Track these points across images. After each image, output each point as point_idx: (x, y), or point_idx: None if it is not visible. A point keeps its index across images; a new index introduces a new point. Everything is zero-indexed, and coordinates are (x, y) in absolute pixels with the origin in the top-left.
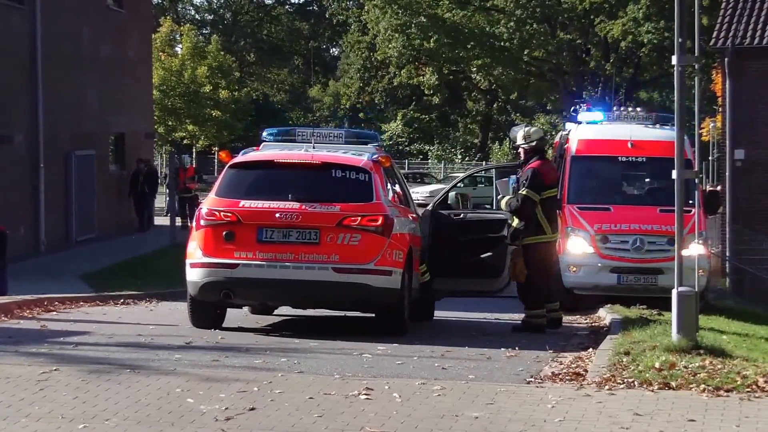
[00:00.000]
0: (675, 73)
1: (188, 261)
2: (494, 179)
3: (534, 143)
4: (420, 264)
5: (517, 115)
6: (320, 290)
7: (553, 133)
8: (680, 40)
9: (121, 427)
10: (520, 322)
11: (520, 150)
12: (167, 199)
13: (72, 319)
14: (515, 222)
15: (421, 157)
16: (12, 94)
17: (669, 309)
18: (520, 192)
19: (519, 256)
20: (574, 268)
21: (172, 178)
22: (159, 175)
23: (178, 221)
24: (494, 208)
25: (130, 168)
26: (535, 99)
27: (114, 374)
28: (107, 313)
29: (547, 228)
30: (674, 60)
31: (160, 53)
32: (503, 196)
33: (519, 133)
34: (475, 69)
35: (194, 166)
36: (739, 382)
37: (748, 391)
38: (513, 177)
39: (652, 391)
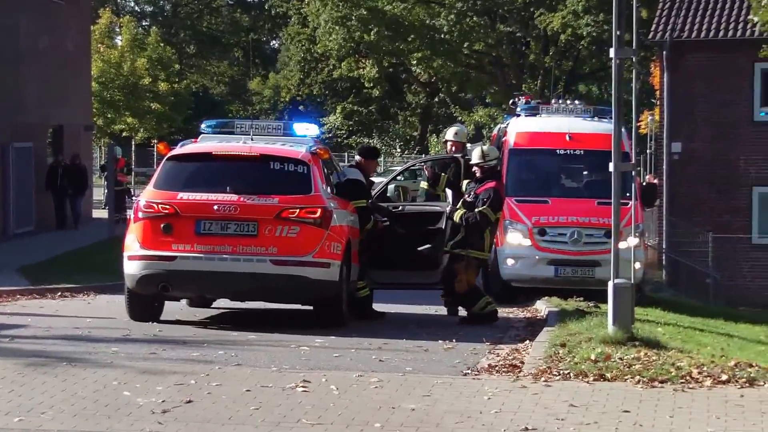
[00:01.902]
0: (613, 65)
1: (126, 254)
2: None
3: (493, 162)
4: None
5: (457, 107)
6: (258, 282)
7: (492, 125)
8: (618, 33)
9: (57, 420)
10: (466, 314)
11: (476, 168)
12: (105, 191)
13: (8, 312)
14: (461, 234)
15: None
16: None
17: (606, 301)
18: (480, 209)
19: (470, 268)
20: (512, 261)
21: (111, 171)
22: (89, 170)
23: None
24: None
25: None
26: (474, 92)
27: (51, 367)
28: (44, 306)
29: (488, 246)
30: (612, 53)
31: (99, 45)
32: (454, 209)
33: (475, 152)
34: (415, 62)
35: (124, 157)
36: (673, 374)
37: (682, 383)
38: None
39: (588, 382)
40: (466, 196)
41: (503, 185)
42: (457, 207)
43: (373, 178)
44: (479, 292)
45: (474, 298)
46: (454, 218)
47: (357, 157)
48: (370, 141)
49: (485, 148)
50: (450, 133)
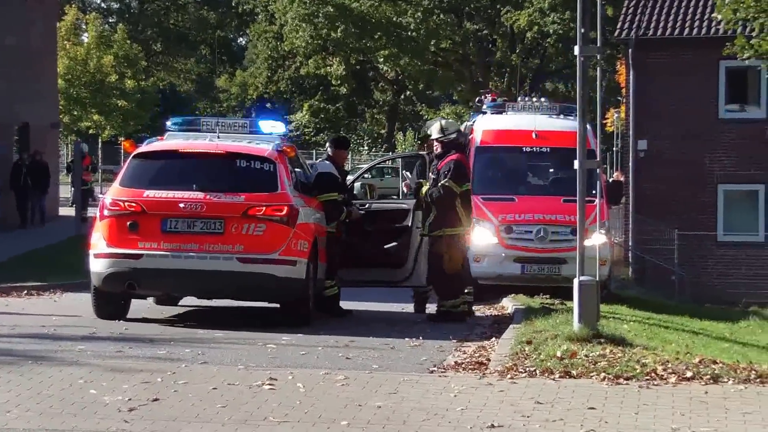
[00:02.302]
0: (577, 63)
1: (92, 252)
2: (400, 169)
3: (453, 135)
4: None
5: (423, 105)
6: (225, 280)
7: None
8: (583, 30)
9: (23, 419)
10: (435, 312)
11: (436, 144)
12: (72, 189)
13: None
14: (433, 212)
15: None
16: None
17: (571, 298)
18: (442, 183)
19: (452, 245)
20: (479, 259)
21: (78, 168)
22: (56, 167)
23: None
24: (401, 198)
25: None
26: (441, 89)
27: (16, 365)
28: (10, 304)
29: (465, 220)
30: (577, 50)
31: (65, 42)
32: (420, 182)
33: (434, 126)
34: (382, 59)
35: (90, 156)
36: (638, 371)
37: (647, 379)
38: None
39: (554, 379)
40: (431, 173)
41: (465, 157)
42: (422, 183)
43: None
44: (461, 288)
45: (453, 291)
46: (421, 193)
47: (329, 148)
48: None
49: (443, 122)
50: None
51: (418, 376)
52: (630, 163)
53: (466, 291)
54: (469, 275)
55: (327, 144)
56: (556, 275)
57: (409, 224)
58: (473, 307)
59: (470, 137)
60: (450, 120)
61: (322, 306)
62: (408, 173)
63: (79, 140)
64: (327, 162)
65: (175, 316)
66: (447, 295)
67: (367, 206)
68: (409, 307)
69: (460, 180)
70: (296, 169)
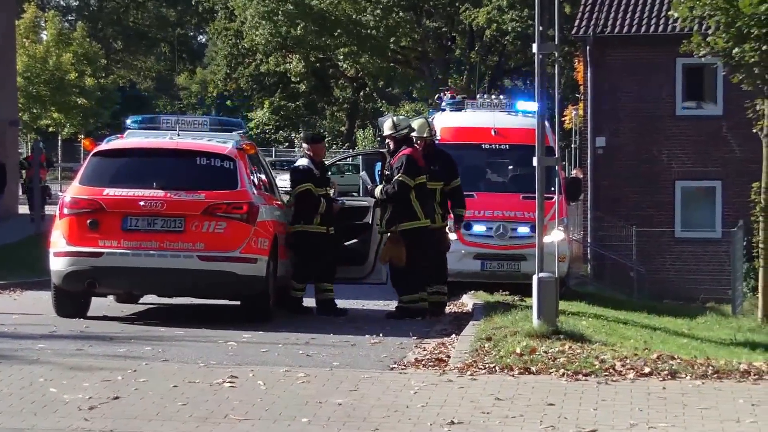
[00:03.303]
0: (535, 60)
1: (52, 250)
2: (360, 167)
3: (404, 131)
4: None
5: (384, 102)
6: (186, 278)
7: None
8: (540, 28)
9: None
10: (394, 309)
11: (388, 140)
12: (27, 187)
13: None
14: (389, 209)
15: (287, 144)
16: None
17: (531, 295)
18: (396, 178)
19: (399, 242)
20: None
21: (36, 166)
22: (15, 165)
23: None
24: (361, 195)
25: None
26: (401, 87)
27: None
28: None
29: (420, 213)
30: (535, 48)
31: (24, 40)
32: (375, 186)
33: (386, 123)
34: (341, 57)
35: (44, 153)
36: (597, 366)
37: (605, 375)
38: (378, 165)
39: (513, 376)
40: (385, 170)
41: (418, 151)
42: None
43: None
44: (417, 283)
45: (410, 286)
46: (376, 194)
47: (304, 145)
48: (298, 136)
49: (395, 118)
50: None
51: (379, 373)
52: (588, 160)
53: (435, 288)
54: (444, 271)
55: (302, 142)
56: (515, 272)
57: (370, 221)
58: (445, 303)
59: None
60: (402, 116)
61: (283, 303)
62: (366, 174)
63: (39, 139)
64: (303, 158)
65: (135, 314)
66: (404, 290)
67: None
68: (369, 305)
69: (412, 174)
70: (256, 167)
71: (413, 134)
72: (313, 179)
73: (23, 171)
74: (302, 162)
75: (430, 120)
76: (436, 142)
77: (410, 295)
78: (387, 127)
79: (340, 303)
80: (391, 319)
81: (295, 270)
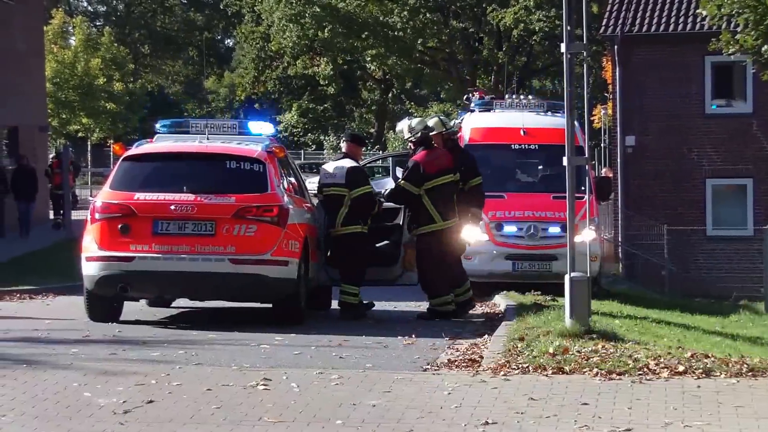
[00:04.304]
0: (564, 60)
1: (84, 255)
2: (390, 168)
3: (419, 134)
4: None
5: (412, 104)
6: (217, 282)
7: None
8: (569, 28)
9: (18, 423)
10: (425, 310)
11: (410, 145)
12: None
13: None
14: (408, 213)
15: (316, 147)
16: None
17: (563, 295)
18: (397, 183)
19: (410, 246)
20: (470, 256)
21: (66, 171)
22: (40, 172)
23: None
24: None
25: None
26: (429, 88)
27: (10, 369)
28: (2, 308)
29: (436, 216)
30: (563, 48)
31: (53, 46)
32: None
33: (404, 128)
34: (369, 58)
35: (58, 159)
36: (630, 366)
37: (639, 374)
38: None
39: (547, 375)
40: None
41: (434, 151)
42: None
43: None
44: (443, 285)
45: (437, 289)
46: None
47: (347, 144)
48: (326, 139)
49: (412, 122)
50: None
51: (412, 375)
52: (618, 159)
53: (463, 289)
54: (463, 271)
55: (342, 140)
56: (546, 272)
57: (401, 222)
58: (472, 302)
59: (459, 135)
60: (417, 118)
61: (314, 304)
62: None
63: (68, 144)
64: (348, 159)
65: (167, 317)
66: (431, 293)
67: None
68: (401, 306)
69: (417, 180)
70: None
71: (431, 133)
72: (368, 180)
73: (47, 178)
74: (352, 163)
75: (443, 117)
76: (454, 139)
77: (439, 297)
78: (405, 131)
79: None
80: (422, 320)
81: (350, 274)
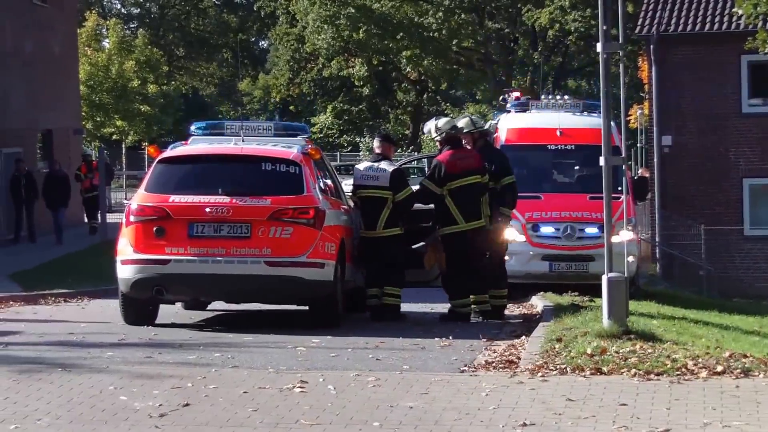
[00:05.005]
0: (600, 60)
1: (119, 258)
2: (426, 169)
3: (444, 134)
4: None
5: (447, 104)
6: (253, 284)
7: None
8: (605, 27)
9: (53, 427)
10: (446, 311)
11: (438, 144)
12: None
13: (2, 319)
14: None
15: (351, 148)
16: None
17: (600, 295)
18: (421, 181)
19: (432, 246)
20: (507, 257)
21: (102, 174)
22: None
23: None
24: None
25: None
26: (464, 89)
27: (45, 373)
28: (38, 312)
29: (458, 217)
30: (599, 47)
31: (86, 48)
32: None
33: (431, 128)
34: (404, 59)
35: (84, 162)
36: (669, 366)
37: (677, 374)
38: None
39: (584, 376)
40: None
41: (461, 151)
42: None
43: None
44: (464, 287)
45: (458, 290)
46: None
47: (379, 145)
48: (362, 140)
49: (438, 122)
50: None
51: (449, 376)
52: (655, 159)
53: (500, 293)
54: (501, 275)
55: (376, 140)
56: (584, 272)
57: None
58: (505, 307)
59: (495, 136)
60: (443, 118)
61: (350, 306)
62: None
63: (102, 147)
64: (387, 161)
65: (203, 320)
66: (452, 295)
67: None
68: (437, 308)
69: (440, 180)
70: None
71: (461, 132)
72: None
73: (78, 183)
74: (393, 165)
75: (474, 117)
76: (487, 138)
77: (459, 299)
78: (432, 131)
79: (406, 306)
80: (443, 321)
81: (391, 275)
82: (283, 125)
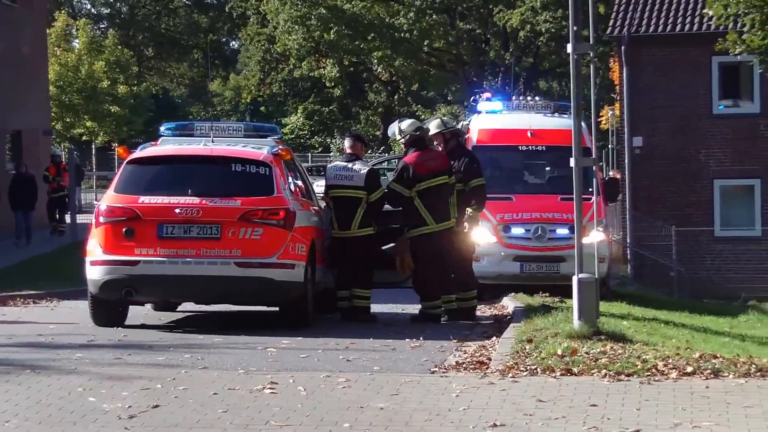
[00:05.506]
0: (571, 61)
1: (88, 259)
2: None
3: (408, 136)
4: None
5: (418, 106)
6: (223, 285)
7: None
8: (575, 28)
9: (22, 428)
10: (417, 312)
11: (403, 145)
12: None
13: None
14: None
15: (322, 149)
16: None
17: (571, 296)
18: (389, 184)
19: (403, 248)
20: (478, 258)
21: (72, 174)
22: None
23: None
24: None
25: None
26: (435, 89)
27: (14, 375)
28: (6, 313)
29: (428, 218)
30: (570, 48)
31: (56, 48)
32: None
33: (395, 130)
34: (375, 60)
35: (63, 162)
36: (639, 367)
37: (648, 375)
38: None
39: (555, 377)
40: None
41: (427, 153)
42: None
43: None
44: (434, 288)
45: (428, 291)
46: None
47: (350, 145)
48: (333, 141)
49: (402, 124)
50: (396, 134)
51: (420, 377)
52: (626, 160)
53: (469, 295)
54: (469, 276)
55: (347, 140)
56: (555, 273)
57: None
58: (475, 308)
59: (466, 137)
60: (407, 120)
61: (321, 307)
62: None
63: (72, 147)
64: (361, 161)
65: (173, 321)
66: (423, 295)
67: None
68: (408, 308)
69: (407, 181)
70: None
71: (430, 134)
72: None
73: (46, 184)
74: (367, 166)
75: (444, 118)
76: (459, 139)
77: (430, 300)
78: (396, 134)
79: (376, 307)
80: (414, 322)
81: (361, 277)
82: (254, 126)
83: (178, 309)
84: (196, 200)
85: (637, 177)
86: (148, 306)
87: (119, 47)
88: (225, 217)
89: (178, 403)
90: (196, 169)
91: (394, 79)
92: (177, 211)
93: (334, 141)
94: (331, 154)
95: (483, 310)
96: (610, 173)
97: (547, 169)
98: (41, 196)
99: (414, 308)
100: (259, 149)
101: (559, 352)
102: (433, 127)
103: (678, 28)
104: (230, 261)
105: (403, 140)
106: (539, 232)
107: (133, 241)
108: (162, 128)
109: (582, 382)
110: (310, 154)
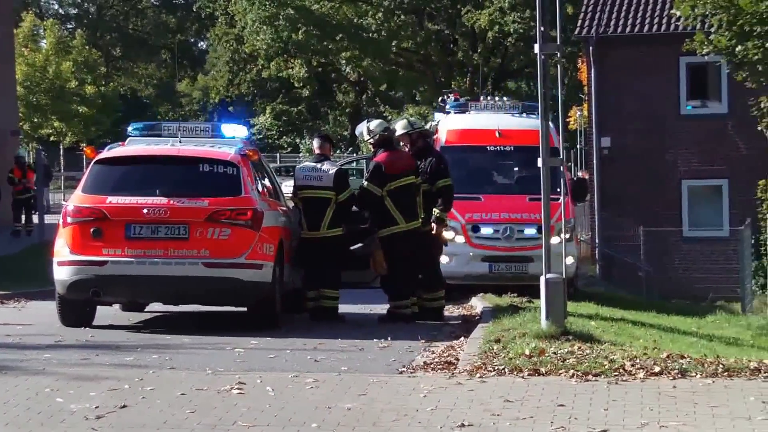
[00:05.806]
0: (538, 61)
1: (56, 259)
2: (365, 171)
3: (377, 136)
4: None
5: (386, 106)
6: (191, 286)
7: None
8: (542, 28)
9: None
10: (385, 312)
11: (371, 145)
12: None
13: None
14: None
15: (291, 150)
16: None
17: (539, 296)
18: (362, 184)
19: (377, 248)
20: (446, 258)
21: (40, 175)
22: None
23: None
24: None
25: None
26: (404, 90)
27: None
28: None
29: (399, 218)
30: (537, 48)
31: (23, 49)
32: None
33: (363, 131)
34: (344, 61)
35: (28, 163)
36: (606, 367)
37: (615, 375)
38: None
39: (523, 377)
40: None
41: (397, 153)
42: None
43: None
44: (405, 288)
45: (398, 291)
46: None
47: (319, 145)
48: (302, 141)
49: (371, 125)
50: (364, 134)
51: (388, 377)
52: (594, 161)
53: (436, 295)
54: (437, 276)
55: (315, 140)
56: (523, 273)
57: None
58: (443, 308)
59: (435, 137)
60: (375, 120)
61: (290, 307)
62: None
63: (40, 148)
64: (327, 160)
65: (141, 322)
66: (392, 296)
67: None
68: (376, 309)
69: (380, 181)
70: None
71: (397, 135)
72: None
73: (11, 186)
74: (336, 166)
75: (411, 118)
76: (427, 139)
77: (399, 300)
78: (364, 134)
79: (345, 308)
80: (382, 323)
81: (329, 277)
82: (222, 126)
83: (146, 309)
84: (163, 200)
85: (606, 177)
86: (116, 306)
87: (87, 47)
88: (193, 218)
89: (146, 404)
90: (163, 169)
91: (362, 79)
92: (144, 211)
93: (302, 141)
94: (300, 154)
95: (451, 311)
96: (579, 173)
97: (516, 169)
98: (6, 197)
99: (383, 308)
100: (227, 149)
101: (527, 352)
102: (399, 127)
103: (646, 28)
104: (198, 261)
105: (371, 140)
106: (507, 233)
107: (101, 241)
108: (130, 128)
109: (550, 382)
110: (278, 155)
